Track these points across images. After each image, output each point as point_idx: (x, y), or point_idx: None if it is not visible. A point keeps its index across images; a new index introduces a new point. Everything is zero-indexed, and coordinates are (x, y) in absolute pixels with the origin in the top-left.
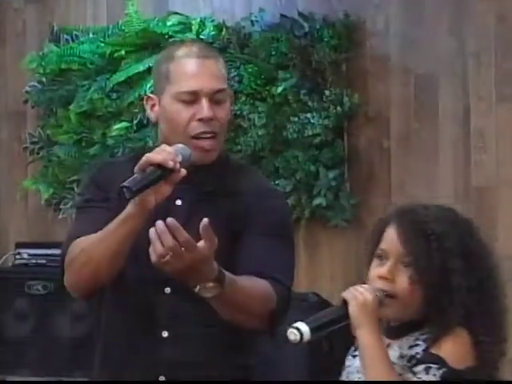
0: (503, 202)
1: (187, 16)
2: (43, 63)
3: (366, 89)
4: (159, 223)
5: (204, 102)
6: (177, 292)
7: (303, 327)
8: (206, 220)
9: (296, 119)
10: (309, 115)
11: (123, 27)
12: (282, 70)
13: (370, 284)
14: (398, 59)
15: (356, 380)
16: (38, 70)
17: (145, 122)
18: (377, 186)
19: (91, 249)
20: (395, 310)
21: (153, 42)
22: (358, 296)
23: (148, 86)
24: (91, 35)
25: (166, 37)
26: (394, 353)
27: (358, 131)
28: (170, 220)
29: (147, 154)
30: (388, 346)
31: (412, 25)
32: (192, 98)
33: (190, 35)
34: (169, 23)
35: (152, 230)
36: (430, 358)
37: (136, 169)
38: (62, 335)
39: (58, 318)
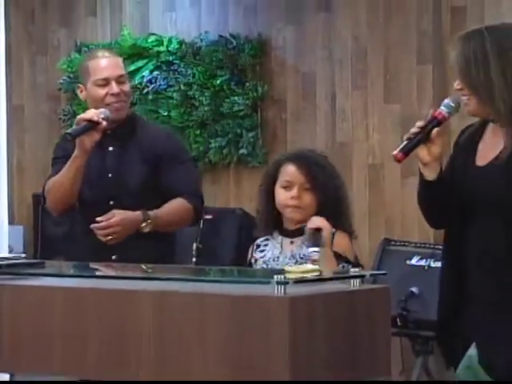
0: (355, 152)
1: (160, 35)
2: (70, 65)
3: (272, 82)
4: (94, 226)
5: (113, 84)
6: (117, 202)
7: (318, 248)
8: (98, 219)
9: (228, 100)
10: (236, 98)
11: (120, 43)
12: (219, 70)
13: (282, 203)
14: (292, 63)
15: (274, 266)
16: (67, 70)
17: (135, 102)
18: (278, 142)
19: (58, 182)
20: (301, 218)
21: (139, 53)
22: (325, 224)
23: (136, 78)
24: (100, 48)
25: (147, 49)
26: (299, 248)
27: (267, 108)
28: (99, 219)
29: (80, 115)
30: (292, 243)
31: (300, 42)
32: (105, 83)
33: (162, 48)
34: (149, 40)
35: (93, 226)
36: (340, 260)
37: (74, 123)
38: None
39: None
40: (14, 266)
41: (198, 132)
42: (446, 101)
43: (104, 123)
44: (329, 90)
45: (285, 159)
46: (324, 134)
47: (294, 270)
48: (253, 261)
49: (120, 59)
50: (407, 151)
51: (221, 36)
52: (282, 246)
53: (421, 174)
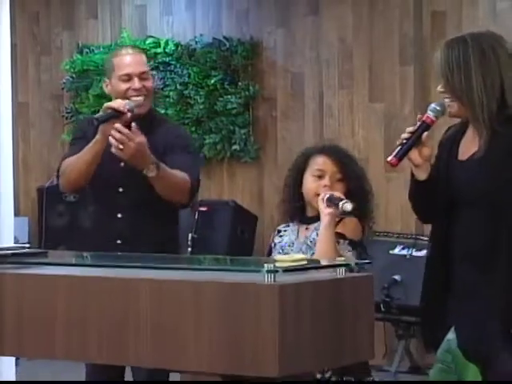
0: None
1: (158, 38)
2: (73, 66)
3: (263, 81)
4: (118, 126)
5: (135, 80)
6: (126, 190)
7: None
8: (134, 125)
9: (222, 99)
10: (229, 96)
11: (120, 44)
12: (213, 70)
13: (313, 192)
14: (281, 64)
15: (289, 251)
16: (69, 70)
17: None
18: (269, 139)
19: (75, 163)
20: None
21: None
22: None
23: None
24: (101, 49)
25: (145, 51)
26: (313, 233)
27: (258, 106)
28: (117, 125)
29: (107, 103)
30: (307, 229)
31: (289, 44)
32: (128, 78)
33: (160, 49)
34: (147, 42)
35: (117, 126)
36: (336, 237)
37: (101, 110)
38: (84, 227)
39: (82, 216)
40: (17, 256)
41: (193, 129)
42: (432, 105)
43: (128, 114)
44: (316, 89)
45: (313, 151)
46: (312, 131)
47: (284, 259)
48: (273, 245)
49: (143, 56)
50: (401, 156)
51: (215, 38)
52: (298, 233)
53: (412, 175)
